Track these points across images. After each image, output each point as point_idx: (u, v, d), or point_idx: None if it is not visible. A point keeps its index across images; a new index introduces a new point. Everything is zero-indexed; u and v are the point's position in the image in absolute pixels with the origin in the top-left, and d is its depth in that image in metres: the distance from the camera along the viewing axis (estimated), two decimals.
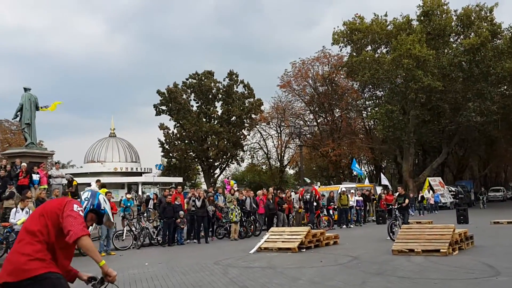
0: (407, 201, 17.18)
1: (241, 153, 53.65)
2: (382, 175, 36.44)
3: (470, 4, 43.08)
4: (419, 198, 31.97)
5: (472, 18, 37.56)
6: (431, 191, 34.18)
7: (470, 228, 14.59)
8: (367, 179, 36.92)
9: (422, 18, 38.10)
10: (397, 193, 18.63)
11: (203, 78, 50.63)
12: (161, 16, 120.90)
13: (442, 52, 36.93)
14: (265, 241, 14.27)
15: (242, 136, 51.97)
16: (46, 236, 3.57)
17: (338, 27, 41.54)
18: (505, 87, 38.48)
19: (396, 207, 16.87)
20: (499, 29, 37.03)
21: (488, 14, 37.68)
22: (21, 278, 3.44)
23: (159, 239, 17.19)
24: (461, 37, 38.55)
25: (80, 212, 3.71)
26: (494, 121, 37.43)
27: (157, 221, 17.97)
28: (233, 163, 55.33)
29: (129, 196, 21.20)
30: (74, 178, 19.79)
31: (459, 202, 34.63)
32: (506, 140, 48.57)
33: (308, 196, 21.47)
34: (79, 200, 4.08)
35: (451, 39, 39.54)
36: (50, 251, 3.59)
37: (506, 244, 13.18)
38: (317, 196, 22.51)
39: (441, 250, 11.35)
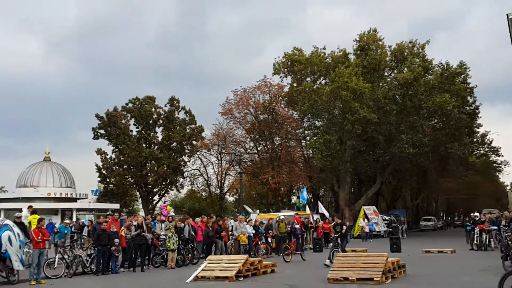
0: (344, 227, 17.62)
1: (181, 179, 53.06)
2: (319, 203, 37.11)
3: (403, 40, 45.30)
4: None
5: (405, 53, 39.58)
6: (366, 220, 35.13)
7: (402, 257, 15.08)
8: (307, 207, 37.44)
9: (358, 52, 39.76)
10: (333, 222, 19.06)
11: (143, 103, 50.05)
12: (102, 39, 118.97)
13: (377, 85, 38.52)
14: (202, 270, 14.08)
15: (182, 162, 51.50)
16: None
17: (279, 57, 42.49)
18: (436, 121, 40.47)
19: (336, 235, 17.26)
20: (430, 65, 39.12)
21: (420, 51, 39.83)
22: None
23: (92, 267, 16.47)
24: (395, 71, 40.34)
25: None
26: (425, 152, 39.20)
27: (91, 249, 17.29)
28: (173, 190, 54.59)
29: (67, 221, 20.35)
30: None
31: (392, 231, 35.81)
32: (437, 171, 51.08)
33: (289, 228, 22.94)
34: None
35: (386, 73, 41.35)
36: None
37: (437, 273, 13.75)
38: (298, 224, 23.98)
39: (374, 279, 11.66)
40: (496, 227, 22.08)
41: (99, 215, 19.82)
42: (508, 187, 76.71)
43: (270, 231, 23.85)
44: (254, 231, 22.51)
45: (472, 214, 25.84)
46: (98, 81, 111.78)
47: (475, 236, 22.05)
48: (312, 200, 51.50)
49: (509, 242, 14.80)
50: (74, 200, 49.54)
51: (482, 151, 57.88)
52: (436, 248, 21.19)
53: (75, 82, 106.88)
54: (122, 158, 48.40)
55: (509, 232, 15.24)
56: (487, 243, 21.66)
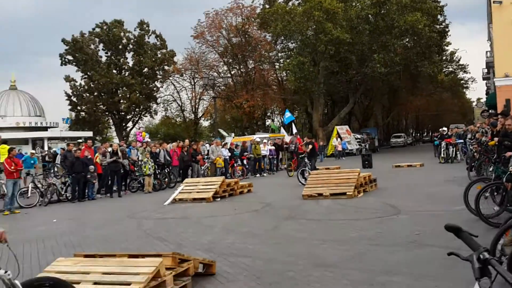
0: (310, 146, 17.98)
1: (154, 105, 52.52)
2: (293, 125, 37.42)
3: None
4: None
5: None
6: (339, 139, 35.83)
7: (373, 172, 15.59)
8: (282, 129, 37.82)
9: None
10: (304, 142, 19.44)
11: (112, 27, 48.20)
12: None
13: (350, 5, 37.81)
14: (179, 192, 14.31)
15: (155, 88, 50.73)
16: None
17: None
18: (407, 40, 40.47)
19: (303, 155, 17.70)
20: None
21: None
22: None
23: (68, 195, 16.56)
24: None
25: None
26: (396, 71, 39.53)
27: (65, 177, 17.27)
28: (146, 116, 54.19)
29: (32, 151, 20.09)
30: None
31: (364, 148, 36.71)
32: (407, 89, 51.88)
33: (293, 147, 24.14)
34: None
35: None
36: None
37: (406, 185, 14.30)
38: (300, 145, 23.90)
39: (347, 193, 12.08)
40: (462, 141, 22.95)
41: (71, 143, 19.59)
42: (474, 103, 78.67)
43: (245, 153, 24.18)
44: (229, 154, 22.78)
45: (440, 129, 26.69)
46: (62, 4, 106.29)
47: (442, 149, 22.93)
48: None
49: (475, 154, 15.36)
50: (45, 129, 48.81)
51: (450, 69, 58.77)
52: (405, 163, 21.94)
53: (40, 6, 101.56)
54: (92, 85, 47.31)
55: (474, 144, 15.77)
56: (453, 156, 22.54)
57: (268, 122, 54.03)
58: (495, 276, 2.09)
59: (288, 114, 36.05)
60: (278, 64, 48.19)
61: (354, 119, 56.43)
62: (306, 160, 17.57)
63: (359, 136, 41.28)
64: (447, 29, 46.39)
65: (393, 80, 42.96)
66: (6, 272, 3.36)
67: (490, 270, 2.11)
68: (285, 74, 46.39)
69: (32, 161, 18.57)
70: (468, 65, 58.04)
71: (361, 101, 53.72)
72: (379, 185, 14.13)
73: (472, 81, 62.37)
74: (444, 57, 53.75)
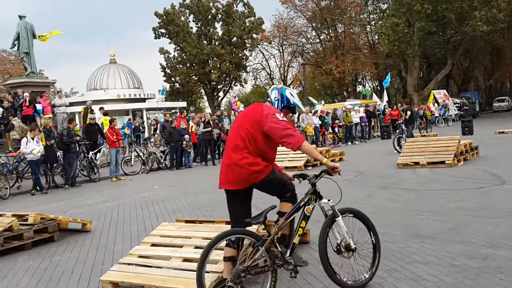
0: (409, 113, 17.27)
1: (244, 74, 53.11)
2: (385, 91, 36.13)
3: None
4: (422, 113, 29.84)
5: None
6: (435, 104, 34.06)
7: (475, 139, 14.70)
8: (374, 95, 36.70)
9: None
10: (401, 108, 18.66)
11: None
12: None
13: None
14: None
15: (244, 57, 51.15)
16: (253, 146, 3.94)
17: None
18: None
19: (401, 121, 17.00)
20: None
21: None
22: (247, 185, 3.96)
23: (167, 163, 17.48)
24: None
25: (284, 119, 4.00)
26: (500, 29, 36.50)
27: (164, 146, 18.18)
28: (237, 85, 55.00)
29: (127, 128, 21.12)
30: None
31: (464, 114, 34.65)
32: None
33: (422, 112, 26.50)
34: (268, 101, 4.29)
35: None
36: (261, 156, 3.98)
37: (511, 153, 13.30)
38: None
39: (446, 162, 11.51)
40: None
41: (167, 113, 20.46)
42: None
43: (336, 121, 23.83)
44: (320, 122, 22.57)
45: None
46: None
47: None
48: (378, 88, 50.30)
49: None
50: (143, 100, 51.29)
51: None
52: (510, 129, 20.33)
53: None
54: (184, 57, 48.72)
55: None
56: None
57: (360, 88, 52.65)
58: None
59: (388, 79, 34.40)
60: (369, 26, 46.47)
61: (452, 83, 53.28)
62: (403, 126, 16.96)
63: (458, 101, 38.97)
64: None
65: (496, 39, 39.78)
66: (329, 200, 4.13)
67: None
68: (377, 37, 44.67)
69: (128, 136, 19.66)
70: None
71: (460, 63, 50.43)
72: (481, 153, 13.31)
73: None
74: None
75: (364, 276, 4.21)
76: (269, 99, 4.31)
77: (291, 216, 3.99)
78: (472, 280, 4.14)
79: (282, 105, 4.24)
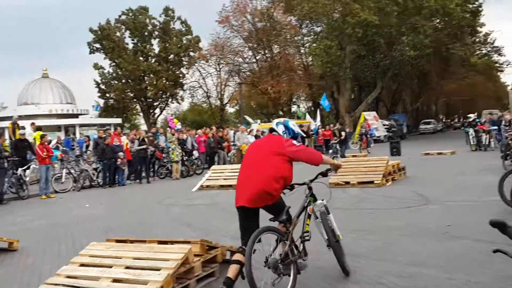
0: (343, 133, 17.82)
1: (181, 92, 52.78)
2: (318, 111, 37.09)
3: None
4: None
5: None
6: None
7: (402, 160, 15.35)
8: (307, 115, 37.56)
9: None
10: (335, 128, 19.25)
11: (137, 14, 48.52)
12: None
13: None
14: (207, 179, 14.43)
15: (181, 75, 50.92)
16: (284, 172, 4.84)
17: None
18: (438, 21, 39.34)
19: (335, 141, 17.50)
20: None
21: None
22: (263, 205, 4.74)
23: (99, 181, 16.95)
24: None
25: (298, 143, 4.96)
26: (426, 54, 38.64)
27: (96, 163, 17.63)
28: (173, 103, 54.53)
29: (54, 142, 20.30)
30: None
31: (392, 135, 36.16)
32: (438, 73, 50.63)
33: (363, 130, 27.09)
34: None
35: None
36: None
37: (436, 174, 13.98)
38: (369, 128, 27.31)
39: (375, 182, 11.94)
40: (496, 128, 22.20)
41: (100, 130, 19.89)
42: (509, 87, 76.13)
43: None
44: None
45: (469, 114, 26.16)
46: None
47: (471, 137, 22.28)
48: (312, 108, 51.56)
49: (510, 142, 14.84)
50: (76, 116, 49.67)
51: (484, 51, 56.81)
52: (435, 150, 21.39)
53: None
54: (120, 72, 47.86)
55: (510, 131, 15.20)
56: (487, 143, 21.86)
57: (294, 108, 53.76)
58: None
59: (326, 102, 35.45)
60: (303, 48, 47.72)
61: (381, 105, 55.61)
62: (337, 146, 17.43)
63: (387, 123, 40.71)
64: (480, 9, 44.55)
65: (422, 64, 42.07)
66: (322, 200, 5.13)
67: None
68: (311, 59, 45.93)
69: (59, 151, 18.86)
70: (503, 47, 55.48)
71: (389, 86, 52.78)
72: (408, 174, 13.89)
73: (507, 65, 60.20)
74: (477, 39, 51.97)
75: None
76: (275, 132, 5.04)
77: (299, 215, 4.88)
78: None
79: (289, 136, 5.05)
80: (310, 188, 5.02)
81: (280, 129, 5.03)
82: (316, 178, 5.13)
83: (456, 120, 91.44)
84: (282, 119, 5.27)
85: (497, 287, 4.46)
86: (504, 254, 2.19)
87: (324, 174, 5.17)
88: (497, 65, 59.38)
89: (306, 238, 4.85)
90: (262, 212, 4.84)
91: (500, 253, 2.22)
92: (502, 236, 2.33)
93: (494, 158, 16.44)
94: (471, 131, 22.46)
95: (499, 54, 57.10)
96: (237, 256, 4.57)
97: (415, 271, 5.02)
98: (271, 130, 5.10)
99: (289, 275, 4.50)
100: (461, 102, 77.06)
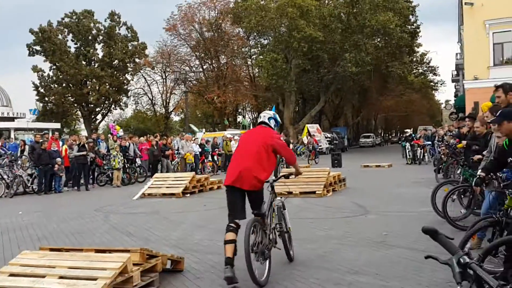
0: (291, 146, 18.10)
1: (125, 98, 51.74)
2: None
3: None
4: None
5: None
6: (309, 137, 36.09)
7: (343, 171, 15.76)
8: (251, 126, 37.80)
9: None
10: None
11: (81, 17, 47.25)
12: None
13: (323, 3, 38.16)
14: (149, 187, 14.18)
15: (125, 81, 49.96)
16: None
17: None
18: (379, 40, 41.00)
19: None
20: None
21: None
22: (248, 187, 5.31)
23: (34, 187, 16.21)
24: None
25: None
26: (367, 71, 40.08)
27: (32, 169, 16.87)
28: (116, 109, 53.36)
29: None
30: None
31: (334, 148, 37.08)
32: (377, 89, 52.67)
33: (310, 146, 28.48)
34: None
35: None
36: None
37: (374, 186, 14.51)
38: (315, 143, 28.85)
39: (316, 192, 12.18)
40: (430, 143, 23.43)
41: (38, 134, 19.12)
42: (443, 105, 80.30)
43: (216, 149, 24.09)
44: (200, 150, 22.66)
45: (405, 130, 27.48)
46: None
47: (407, 151, 23.45)
48: (257, 119, 51.89)
49: (442, 156, 15.66)
50: (11, 119, 47.48)
51: (420, 70, 59.82)
52: (374, 163, 22.24)
53: None
54: (60, 76, 46.31)
55: (442, 146, 16.09)
56: (421, 157, 22.99)
57: (240, 118, 53.97)
58: (473, 280, 2.12)
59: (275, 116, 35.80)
60: (250, 60, 48.15)
61: (324, 118, 56.90)
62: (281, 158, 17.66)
63: (329, 135, 41.68)
64: (418, 30, 47.07)
65: (363, 80, 43.56)
66: (281, 197, 6.03)
67: (469, 273, 2.13)
68: (257, 71, 46.41)
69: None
70: (438, 67, 58.98)
71: (332, 100, 54.26)
72: (348, 185, 14.29)
73: (441, 84, 63.61)
74: (414, 58, 54.71)
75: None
76: (264, 125, 5.69)
77: (269, 209, 5.63)
78: None
79: (277, 127, 5.81)
80: (273, 187, 5.78)
81: (272, 123, 5.71)
82: (279, 179, 6.13)
83: (393, 135, 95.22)
84: (271, 112, 5.92)
85: None
86: (435, 260, 2.30)
87: (287, 177, 6.00)
88: (432, 84, 62.75)
89: (278, 228, 5.62)
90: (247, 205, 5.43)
91: (432, 259, 2.33)
92: (435, 244, 2.45)
93: (428, 171, 17.26)
94: (407, 145, 23.57)
95: (434, 74, 60.55)
96: (230, 236, 5.09)
97: (353, 279, 5.15)
98: (261, 123, 5.74)
99: (268, 260, 5.19)
100: (398, 117, 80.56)
